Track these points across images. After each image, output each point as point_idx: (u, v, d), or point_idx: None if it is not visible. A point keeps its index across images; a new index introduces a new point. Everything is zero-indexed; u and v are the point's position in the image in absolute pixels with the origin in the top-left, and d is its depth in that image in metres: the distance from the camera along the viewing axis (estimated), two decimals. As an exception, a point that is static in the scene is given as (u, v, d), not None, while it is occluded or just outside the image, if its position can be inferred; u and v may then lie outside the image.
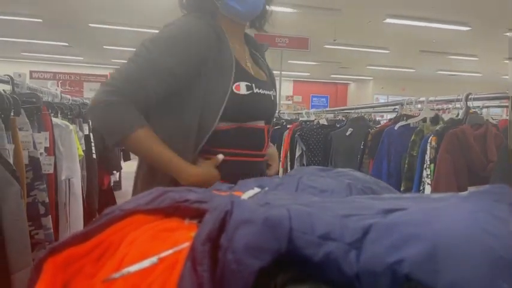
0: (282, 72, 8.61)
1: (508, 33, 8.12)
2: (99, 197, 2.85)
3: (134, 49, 1.05)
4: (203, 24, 1.06)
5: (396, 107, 2.69)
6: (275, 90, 1.24)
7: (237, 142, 1.10)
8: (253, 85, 1.11)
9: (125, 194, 4.18)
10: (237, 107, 1.07)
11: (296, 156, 3.45)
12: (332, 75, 15.11)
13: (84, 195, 2.54)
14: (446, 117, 2.15)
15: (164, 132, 1.05)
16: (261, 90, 1.13)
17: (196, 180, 1.00)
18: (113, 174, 3.29)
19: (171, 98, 1.06)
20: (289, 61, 10.79)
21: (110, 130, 1.02)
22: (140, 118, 1.01)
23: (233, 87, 1.06)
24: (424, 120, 2.17)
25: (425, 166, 1.88)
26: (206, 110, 1.04)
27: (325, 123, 3.51)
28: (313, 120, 3.78)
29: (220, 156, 1.05)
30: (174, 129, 1.06)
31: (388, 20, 7.50)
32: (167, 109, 1.07)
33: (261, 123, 1.16)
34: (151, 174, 1.09)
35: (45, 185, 1.76)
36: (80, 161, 2.39)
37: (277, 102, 1.28)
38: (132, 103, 0.99)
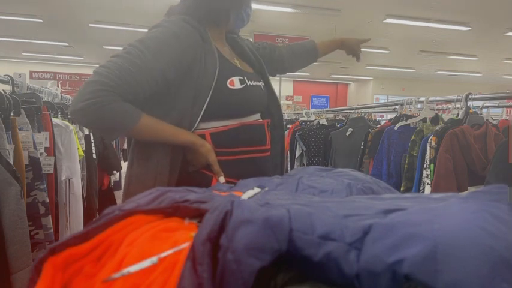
0: (282, 72, 8.62)
1: (508, 33, 8.12)
2: (99, 197, 2.85)
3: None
4: (189, 26, 1.09)
5: (396, 107, 2.69)
6: (264, 80, 1.27)
7: (241, 140, 1.12)
8: (245, 78, 1.15)
9: (125, 194, 4.15)
10: (235, 101, 1.11)
11: (296, 156, 3.45)
12: (332, 75, 15.10)
13: (84, 195, 2.54)
14: (446, 117, 2.15)
15: None
16: (253, 82, 1.17)
17: (204, 141, 1.06)
18: (113, 174, 3.29)
19: (161, 99, 1.08)
20: (289, 61, 10.78)
21: (110, 128, 1.03)
22: (136, 109, 1.03)
23: (227, 83, 1.09)
24: (424, 120, 2.17)
25: (425, 166, 1.88)
26: (194, 108, 1.07)
27: (325, 123, 3.52)
28: (313, 120, 3.78)
29: (222, 179, 1.07)
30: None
31: (388, 20, 7.50)
32: (157, 110, 1.08)
33: (258, 118, 1.20)
34: (144, 173, 1.10)
35: (45, 185, 1.76)
36: (80, 161, 2.39)
37: (278, 96, 1.32)
38: (123, 99, 1.01)
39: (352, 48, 1.70)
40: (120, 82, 0.98)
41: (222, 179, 1.06)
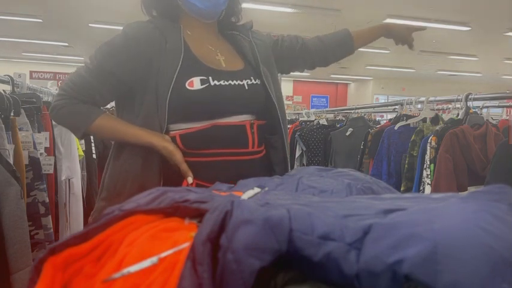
0: (282, 72, 8.62)
1: (508, 33, 8.12)
2: (99, 197, 2.85)
3: None
4: (144, 25, 1.10)
5: (396, 107, 2.69)
6: (259, 78, 1.18)
7: (213, 142, 1.06)
8: (210, 78, 1.08)
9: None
10: (196, 102, 1.05)
11: (296, 156, 3.45)
12: (332, 75, 15.09)
13: (84, 195, 2.54)
14: (446, 117, 2.15)
15: None
16: (222, 82, 1.09)
17: (168, 141, 1.04)
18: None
19: (130, 104, 1.10)
20: (289, 61, 10.78)
21: (72, 126, 1.15)
22: (95, 108, 1.11)
23: (186, 85, 1.04)
24: (424, 120, 2.17)
25: (425, 166, 1.88)
26: (159, 112, 1.05)
27: (325, 123, 3.51)
28: (313, 120, 3.78)
29: (190, 180, 1.04)
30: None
31: (388, 20, 7.49)
32: (128, 115, 1.11)
33: (239, 118, 1.11)
34: (114, 173, 1.13)
35: (45, 185, 1.76)
36: (80, 161, 2.39)
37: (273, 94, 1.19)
38: (79, 102, 1.09)
39: (402, 36, 1.45)
40: (74, 87, 1.09)
41: (190, 180, 1.03)
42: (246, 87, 1.13)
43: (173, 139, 1.06)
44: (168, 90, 1.03)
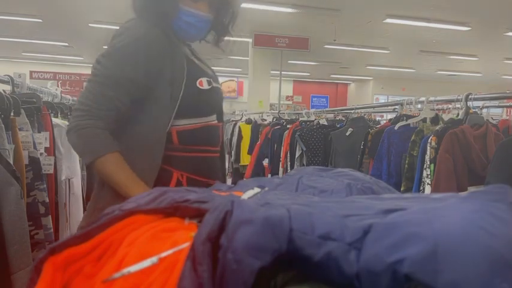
0: (282, 72, 8.62)
1: (508, 33, 8.12)
2: (99, 197, 2.85)
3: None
4: (154, 30, 1.11)
5: (396, 107, 2.69)
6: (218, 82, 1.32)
7: (203, 140, 1.18)
8: (211, 79, 1.20)
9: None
10: (203, 100, 1.17)
11: (296, 156, 3.44)
12: (332, 75, 15.10)
13: (84, 195, 2.54)
14: (446, 117, 2.15)
15: (138, 137, 1.11)
16: (215, 84, 1.22)
17: None
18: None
19: (138, 106, 1.10)
20: (289, 61, 10.78)
21: (82, 152, 1.09)
22: (111, 143, 1.05)
23: (196, 83, 1.14)
24: (424, 120, 2.16)
25: (425, 166, 1.88)
26: (170, 107, 1.11)
27: (325, 123, 3.51)
28: (313, 120, 3.78)
29: None
30: (148, 134, 1.11)
31: (388, 20, 7.50)
32: (137, 116, 1.11)
33: (212, 118, 1.22)
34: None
35: (45, 185, 1.76)
36: (80, 161, 2.39)
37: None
38: (104, 123, 1.04)
39: None
40: (96, 104, 1.03)
41: None
42: (220, 91, 1.28)
43: (169, 133, 1.11)
44: (181, 87, 1.11)
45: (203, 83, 1.16)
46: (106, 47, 1.11)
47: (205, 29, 1.22)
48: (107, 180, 1.07)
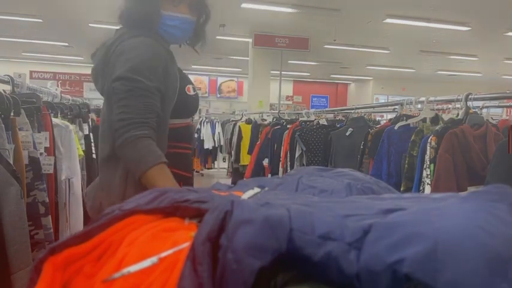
0: (282, 72, 8.62)
1: (508, 33, 8.12)
2: (99, 197, 2.84)
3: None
4: (157, 43, 1.26)
5: (396, 107, 2.69)
6: None
7: (185, 137, 1.35)
8: (195, 87, 1.38)
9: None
10: (190, 105, 1.35)
11: (296, 156, 3.44)
12: (332, 75, 15.09)
13: (84, 195, 2.53)
14: (446, 117, 2.15)
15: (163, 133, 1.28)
16: (197, 90, 1.40)
17: None
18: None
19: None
20: (289, 61, 10.78)
21: (138, 163, 1.14)
22: (161, 154, 1.15)
23: (185, 90, 1.32)
24: (424, 120, 2.16)
25: (425, 166, 1.88)
26: (168, 108, 1.27)
27: (325, 123, 3.51)
28: (313, 120, 3.78)
29: None
30: (162, 130, 1.26)
31: (388, 20, 7.49)
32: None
33: (191, 120, 1.42)
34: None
35: (45, 185, 1.76)
36: (80, 161, 2.39)
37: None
38: (153, 131, 1.17)
39: None
40: (151, 115, 1.15)
41: None
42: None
43: None
44: (176, 92, 1.28)
45: (190, 90, 1.33)
46: (118, 63, 1.20)
47: (189, 30, 1.35)
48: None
